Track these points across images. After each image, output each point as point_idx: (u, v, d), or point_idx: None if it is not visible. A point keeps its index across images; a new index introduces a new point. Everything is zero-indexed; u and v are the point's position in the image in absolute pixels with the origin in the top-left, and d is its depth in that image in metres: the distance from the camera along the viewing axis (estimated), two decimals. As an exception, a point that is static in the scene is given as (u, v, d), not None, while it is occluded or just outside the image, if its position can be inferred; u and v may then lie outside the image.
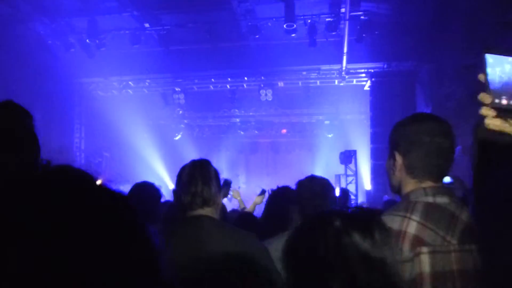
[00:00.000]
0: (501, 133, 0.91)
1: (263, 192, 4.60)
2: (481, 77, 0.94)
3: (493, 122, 0.91)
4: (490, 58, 0.94)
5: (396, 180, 1.47)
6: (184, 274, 1.58)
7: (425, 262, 1.24)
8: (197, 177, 1.80)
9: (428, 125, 1.40)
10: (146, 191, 2.82)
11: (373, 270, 0.87)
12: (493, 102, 0.91)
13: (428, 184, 1.38)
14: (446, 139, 1.38)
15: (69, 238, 0.48)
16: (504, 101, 0.91)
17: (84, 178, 0.56)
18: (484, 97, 0.92)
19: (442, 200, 1.35)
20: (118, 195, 0.58)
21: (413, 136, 1.40)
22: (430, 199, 1.35)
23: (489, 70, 0.93)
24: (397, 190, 1.49)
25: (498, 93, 0.92)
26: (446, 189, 1.40)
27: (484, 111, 0.92)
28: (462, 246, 1.28)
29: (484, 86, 0.92)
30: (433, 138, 1.37)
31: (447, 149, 1.38)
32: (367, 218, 0.94)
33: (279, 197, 2.65)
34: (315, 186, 2.28)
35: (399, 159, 1.43)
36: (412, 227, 1.28)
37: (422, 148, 1.38)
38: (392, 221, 1.30)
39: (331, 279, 0.87)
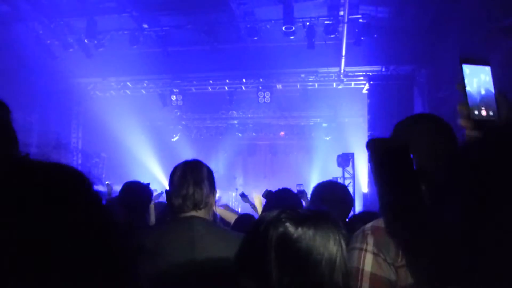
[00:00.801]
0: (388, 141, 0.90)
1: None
2: (458, 87, 0.92)
3: (471, 134, 0.89)
4: (467, 69, 0.92)
5: None
6: (174, 274, 1.57)
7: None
8: (189, 179, 1.78)
9: (429, 125, 1.39)
10: (136, 190, 2.82)
11: (312, 262, 0.88)
12: (472, 114, 0.89)
13: None
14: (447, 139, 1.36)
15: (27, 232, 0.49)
16: (483, 113, 0.89)
17: (53, 175, 0.56)
18: (461, 108, 0.90)
19: None
20: (94, 196, 0.58)
21: (413, 136, 1.39)
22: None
23: (467, 81, 0.91)
24: None
25: (477, 105, 0.89)
26: None
27: (463, 122, 0.90)
28: None
29: (462, 97, 0.90)
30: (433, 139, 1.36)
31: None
32: (310, 213, 0.95)
33: (278, 199, 2.64)
34: (337, 190, 2.37)
35: None
36: None
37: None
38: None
39: (268, 270, 0.88)
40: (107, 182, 6.47)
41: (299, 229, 0.90)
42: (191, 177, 1.78)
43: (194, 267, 1.60)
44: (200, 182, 1.78)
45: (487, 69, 0.93)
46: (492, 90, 0.92)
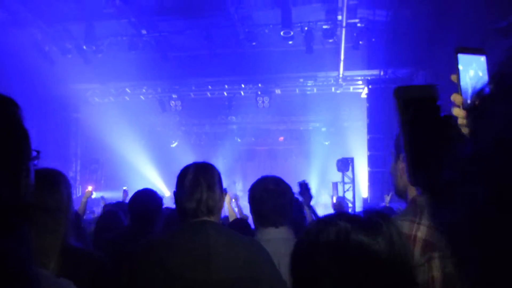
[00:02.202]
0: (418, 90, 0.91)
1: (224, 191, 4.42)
2: (453, 77, 0.92)
3: (463, 122, 0.89)
4: (462, 59, 0.91)
5: (401, 183, 1.45)
6: (189, 281, 1.53)
7: (436, 267, 1.23)
8: (202, 183, 1.70)
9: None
10: (145, 198, 2.79)
11: (383, 270, 0.87)
12: (465, 103, 0.88)
13: None
14: None
15: None
16: (477, 102, 0.88)
17: None
18: (455, 97, 0.90)
19: None
20: None
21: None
22: None
23: (461, 70, 0.91)
24: (402, 193, 1.46)
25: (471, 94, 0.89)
26: None
27: (456, 112, 0.90)
28: None
29: (457, 87, 0.90)
30: None
31: None
32: (376, 218, 0.93)
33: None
34: (269, 184, 2.12)
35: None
36: (422, 231, 1.27)
37: None
38: (401, 227, 1.28)
39: (333, 282, 0.86)
40: (124, 188, 6.44)
41: (372, 237, 0.89)
42: (204, 180, 1.71)
43: (211, 274, 1.55)
44: (213, 186, 1.72)
45: (483, 59, 0.92)
46: (487, 79, 0.89)
